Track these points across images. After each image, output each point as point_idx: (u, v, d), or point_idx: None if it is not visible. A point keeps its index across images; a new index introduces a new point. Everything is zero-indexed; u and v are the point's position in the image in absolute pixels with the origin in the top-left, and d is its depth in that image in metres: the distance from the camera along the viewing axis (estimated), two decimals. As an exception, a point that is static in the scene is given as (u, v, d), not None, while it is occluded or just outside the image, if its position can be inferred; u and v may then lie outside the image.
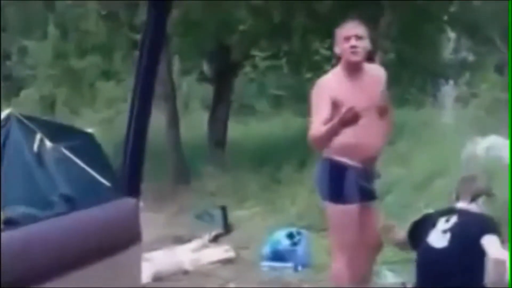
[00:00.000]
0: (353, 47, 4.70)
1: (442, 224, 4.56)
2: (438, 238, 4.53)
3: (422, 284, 4.60)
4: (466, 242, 4.45)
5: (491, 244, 4.41)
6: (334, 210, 4.81)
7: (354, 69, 4.78)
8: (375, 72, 4.94)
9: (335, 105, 4.52)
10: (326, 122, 4.45)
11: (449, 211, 4.67)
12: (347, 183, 4.73)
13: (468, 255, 4.42)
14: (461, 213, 4.60)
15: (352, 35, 4.72)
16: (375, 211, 4.98)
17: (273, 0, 10.74)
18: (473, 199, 4.67)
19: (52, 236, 2.27)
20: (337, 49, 4.83)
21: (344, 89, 4.66)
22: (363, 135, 4.61)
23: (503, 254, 4.43)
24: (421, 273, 4.65)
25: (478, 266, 4.44)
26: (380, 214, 5.15)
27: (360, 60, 4.77)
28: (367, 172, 4.82)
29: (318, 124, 4.49)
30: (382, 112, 4.78)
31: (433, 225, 4.60)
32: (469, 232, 4.49)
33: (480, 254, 4.41)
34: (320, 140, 4.53)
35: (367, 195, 4.84)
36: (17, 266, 2.10)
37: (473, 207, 4.65)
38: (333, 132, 4.38)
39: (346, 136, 4.48)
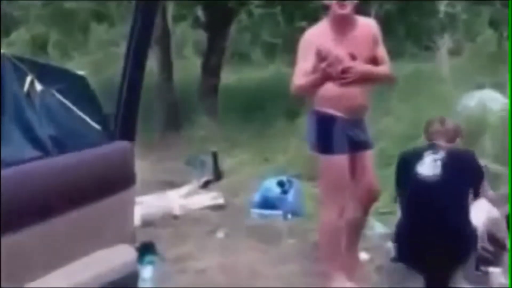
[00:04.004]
0: None
1: (430, 155, 4.62)
2: (429, 167, 4.57)
3: (415, 217, 4.61)
4: (457, 170, 4.56)
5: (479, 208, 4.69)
6: (323, 160, 4.85)
7: (341, 22, 4.77)
8: (366, 26, 4.92)
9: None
10: (309, 72, 4.50)
11: (432, 147, 4.71)
12: (334, 134, 4.76)
13: (458, 184, 4.53)
14: (446, 148, 4.66)
15: None
16: (368, 160, 4.99)
17: None
18: (449, 141, 4.73)
19: (47, 175, 2.27)
20: (325, 1, 4.82)
21: (330, 41, 4.66)
22: (349, 87, 4.63)
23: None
24: (413, 206, 4.65)
25: (464, 199, 4.56)
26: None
27: (348, 13, 4.75)
28: (356, 123, 4.85)
29: (300, 74, 4.59)
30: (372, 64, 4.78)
31: (420, 158, 4.63)
32: (459, 161, 4.62)
33: (466, 189, 4.57)
34: (301, 90, 4.69)
35: (357, 145, 4.86)
36: (11, 206, 2.09)
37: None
38: (315, 84, 4.51)
39: (332, 88, 4.56)
